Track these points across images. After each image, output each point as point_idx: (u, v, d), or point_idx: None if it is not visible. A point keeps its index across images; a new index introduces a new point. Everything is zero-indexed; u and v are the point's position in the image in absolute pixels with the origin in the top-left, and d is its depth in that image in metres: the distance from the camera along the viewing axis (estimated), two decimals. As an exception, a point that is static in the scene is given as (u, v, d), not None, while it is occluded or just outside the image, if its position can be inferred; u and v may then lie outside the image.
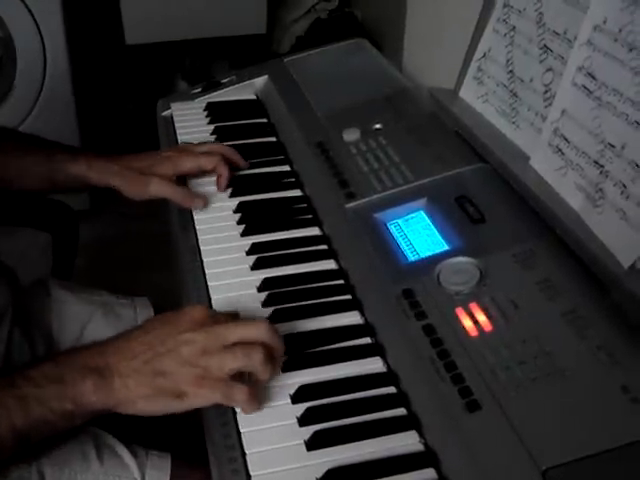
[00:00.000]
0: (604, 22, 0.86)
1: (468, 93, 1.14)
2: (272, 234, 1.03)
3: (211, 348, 0.77)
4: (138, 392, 0.76)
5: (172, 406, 0.77)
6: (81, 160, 1.12)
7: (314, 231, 1.04)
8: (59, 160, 1.12)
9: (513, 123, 1.04)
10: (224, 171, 1.12)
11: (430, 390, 0.76)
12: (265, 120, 1.32)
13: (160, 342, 0.78)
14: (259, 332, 0.79)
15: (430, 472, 0.71)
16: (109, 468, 0.97)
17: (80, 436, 0.99)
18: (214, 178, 1.13)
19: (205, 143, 1.19)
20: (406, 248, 0.92)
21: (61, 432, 0.79)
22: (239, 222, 1.06)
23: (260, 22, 2.25)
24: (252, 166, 1.16)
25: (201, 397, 0.77)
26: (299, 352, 0.84)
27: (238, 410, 0.78)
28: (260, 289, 0.94)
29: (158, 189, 1.09)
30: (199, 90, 1.41)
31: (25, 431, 0.75)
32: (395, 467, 0.72)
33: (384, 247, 0.93)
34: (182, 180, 1.14)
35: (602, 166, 0.85)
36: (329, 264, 0.98)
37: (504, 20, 1.07)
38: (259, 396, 0.78)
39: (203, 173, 1.14)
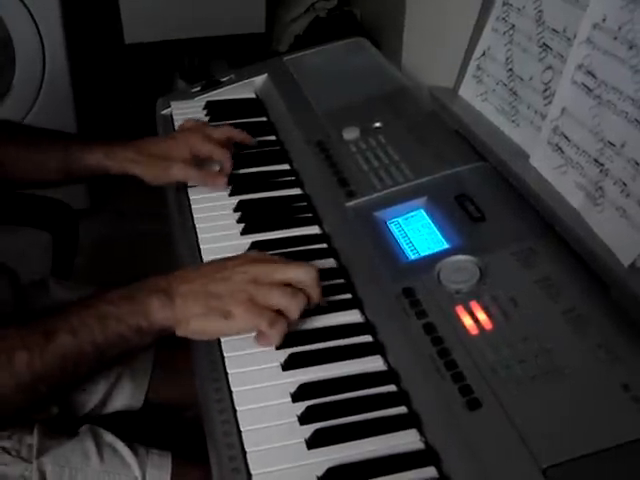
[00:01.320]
0: (603, 20, 0.86)
1: (468, 91, 1.14)
2: (272, 233, 1.03)
3: (262, 280, 0.84)
4: (193, 311, 0.83)
5: (220, 326, 0.83)
6: (97, 149, 1.12)
7: (314, 230, 1.04)
8: (74, 150, 1.12)
9: (513, 121, 1.04)
10: (229, 167, 1.14)
11: (431, 388, 0.76)
12: (265, 119, 1.32)
13: (217, 271, 0.86)
14: (307, 276, 0.86)
15: (431, 470, 0.71)
16: (110, 466, 0.97)
17: (81, 435, 1.00)
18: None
19: (217, 127, 1.20)
20: (406, 247, 0.92)
21: (134, 351, 0.85)
22: (239, 221, 1.06)
23: (259, 21, 2.25)
24: (252, 165, 1.16)
25: (246, 320, 0.83)
26: (300, 350, 0.84)
27: (239, 409, 0.78)
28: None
29: (179, 173, 1.11)
30: (198, 89, 1.41)
31: (104, 346, 0.81)
32: (396, 465, 0.72)
33: (384, 246, 0.93)
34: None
35: (602, 164, 0.85)
36: (329, 263, 0.98)
37: (503, 18, 1.07)
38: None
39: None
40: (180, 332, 0.84)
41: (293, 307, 0.84)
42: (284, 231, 1.03)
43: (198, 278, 0.85)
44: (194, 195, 1.12)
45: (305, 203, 1.10)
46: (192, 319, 0.83)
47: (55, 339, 0.79)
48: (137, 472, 0.98)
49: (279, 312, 0.83)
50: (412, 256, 0.91)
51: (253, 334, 0.85)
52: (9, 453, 0.94)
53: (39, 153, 1.13)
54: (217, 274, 0.85)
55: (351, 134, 1.13)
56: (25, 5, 2.08)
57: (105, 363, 0.85)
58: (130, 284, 0.86)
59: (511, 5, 1.05)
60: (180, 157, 1.12)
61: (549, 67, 0.97)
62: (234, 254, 0.98)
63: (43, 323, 0.81)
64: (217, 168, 1.15)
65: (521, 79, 1.03)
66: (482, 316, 0.80)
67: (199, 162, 1.14)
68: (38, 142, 1.14)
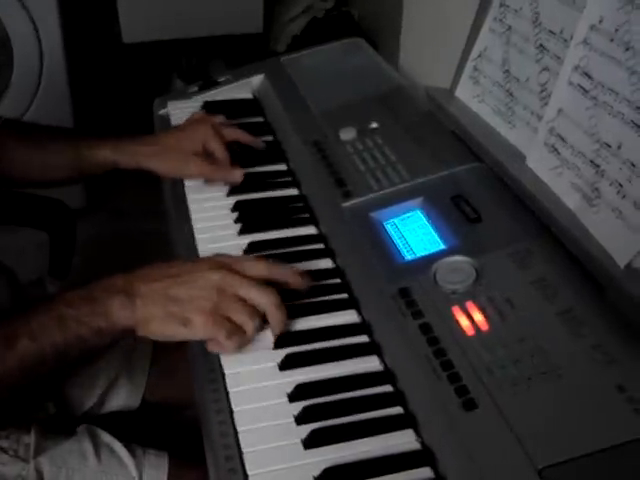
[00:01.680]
0: (600, 22, 0.86)
1: (464, 92, 1.14)
2: (269, 233, 1.03)
3: (225, 290, 0.82)
4: (153, 313, 0.82)
5: (178, 331, 0.82)
6: (107, 144, 1.12)
7: (310, 230, 1.04)
8: (83, 147, 1.12)
9: (509, 122, 1.04)
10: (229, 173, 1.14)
11: (427, 389, 0.76)
12: (261, 119, 1.32)
13: (180, 274, 0.84)
14: (267, 301, 0.84)
15: (426, 471, 0.71)
16: (107, 467, 0.97)
17: (78, 434, 1.00)
18: None
19: (228, 126, 1.20)
20: (402, 247, 0.93)
21: (95, 351, 0.85)
22: (236, 221, 1.06)
23: (257, 21, 2.25)
24: (249, 165, 1.16)
25: (204, 329, 0.82)
26: (296, 351, 0.85)
27: (235, 409, 0.78)
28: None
29: (196, 170, 1.12)
30: (196, 89, 1.41)
31: (63, 347, 0.81)
32: (392, 466, 0.72)
33: (381, 246, 0.93)
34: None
35: (598, 165, 0.85)
36: (326, 263, 0.98)
37: (500, 20, 1.07)
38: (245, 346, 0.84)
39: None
40: (140, 333, 0.83)
41: (250, 327, 0.83)
42: (281, 231, 1.04)
43: (160, 279, 0.84)
44: (191, 195, 1.12)
45: (302, 203, 1.10)
46: (151, 321, 0.82)
47: (15, 344, 0.79)
48: (134, 472, 0.98)
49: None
50: (408, 256, 0.91)
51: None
52: (6, 453, 0.95)
53: (49, 152, 1.13)
54: (180, 277, 0.84)
55: (348, 134, 1.13)
56: (23, 4, 2.08)
57: (66, 364, 0.85)
58: (88, 284, 0.85)
59: (508, 6, 1.05)
60: (193, 151, 1.12)
61: (545, 68, 0.97)
62: (231, 254, 0.99)
63: (3, 327, 0.80)
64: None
65: (517, 80, 1.03)
66: (478, 317, 0.80)
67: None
68: (48, 140, 1.14)
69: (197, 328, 0.82)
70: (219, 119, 1.20)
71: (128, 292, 0.82)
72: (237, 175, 1.12)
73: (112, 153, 1.11)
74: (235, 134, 1.19)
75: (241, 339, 0.83)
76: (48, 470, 0.95)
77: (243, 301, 0.83)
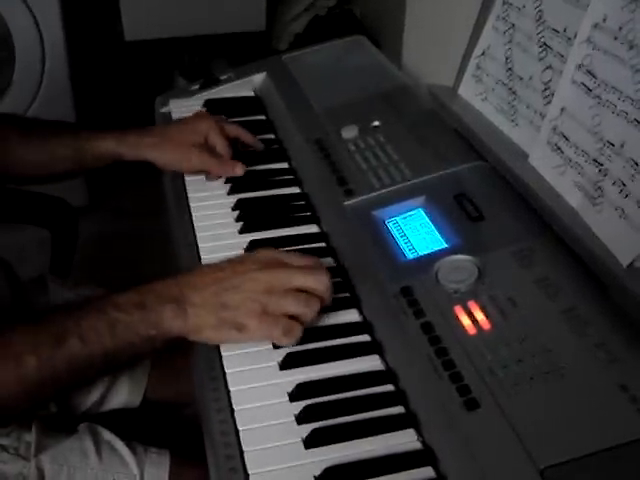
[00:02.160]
0: (604, 20, 0.86)
1: (467, 91, 1.14)
2: (270, 231, 1.03)
3: (274, 288, 0.83)
4: (206, 321, 0.82)
5: (234, 337, 0.83)
6: (109, 136, 1.12)
7: (312, 228, 1.04)
8: (85, 138, 1.12)
9: (512, 121, 1.04)
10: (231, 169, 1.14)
11: (428, 388, 0.76)
12: (263, 117, 1.32)
13: (228, 278, 0.84)
14: (318, 284, 0.84)
15: (428, 470, 0.71)
16: (108, 465, 0.97)
17: (79, 433, 1.00)
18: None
19: (230, 123, 1.20)
20: (404, 246, 0.92)
21: (143, 355, 0.87)
22: (237, 219, 1.06)
23: (259, 19, 2.25)
24: (250, 163, 1.16)
25: (260, 331, 0.83)
26: (297, 350, 0.84)
27: (237, 408, 0.78)
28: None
29: (198, 162, 1.12)
30: (197, 87, 1.41)
31: (113, 352, 0.80)
32: (393, 465, 0.72)
33: (382, 245, 0.93)
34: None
35: (601, 164, 0.85)
36: (327, 262, 0.97)
37: (503, 18, 1.07)
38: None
39: None
40: (193, 339, 0.84)
41: (308, 314, 0.83)
42: (282, 230, 1.03)
43: (209, 285, 0.83)
44: (193, 193, 1.12)
45: (303, 202, 1.10)
46: (204, 329, 0.83)
47: (65, 344, 0.78)
48: (135, 470, 0.98)
49: (292, 316, 0.83)
50: (410, 255, 0.91)
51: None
52: (7, 451, 0.94)
53: (51, 144, 1.12)
54: (228, 282, 0.83)
55: (350, 133, 1.13)
56: (24, 1, 2.08)
57: (114, 367, 0.85)
58: (140, 287, 0.84)
59: (511, 4, 1.05)
60: (195, 143, 1.12)
61: (549, 67, 0.97)
62: (232, 253, 0.99)
63: (52, 325, 0.79)
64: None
65: (521, 78, 1.02)
66: (480, 316, 0.79)
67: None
68: (49, 134, 1.13)
69: (252, 332, 0.82)
70: (234, 130, 1.20)
71: (179, 300, 0.82)
72: (238, 169, 1.12)
73: (115, 145, 1.11)
74: (237, 131, 1.19)
75: (298, 332, 0.83)
76: (49, 468, 0.95)
77: (295, 291, 0.83)
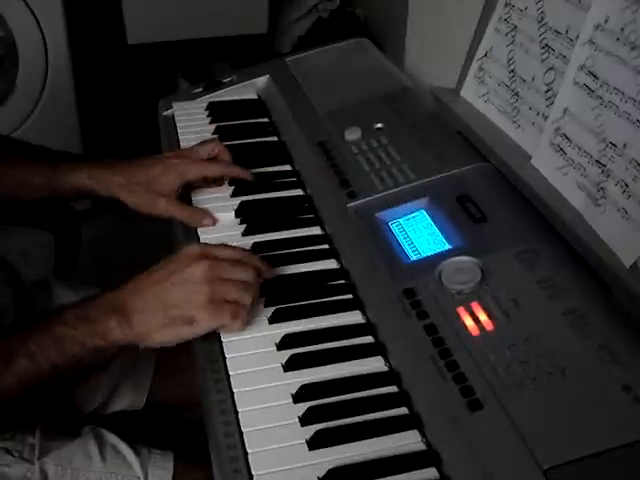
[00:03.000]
0: (606, 21, 0.86)
1: (469, 92, 1.14)
2: (273, 234, 1.03)
3: (213, 277, 0.85)
4: (152, 324, 0.84)
5: (186, 332, 0.85)
6: (83, 171, 1.10)
7: (315, 231, 1.04)
8: (61, 172, 1.11)
9: (514, 122, 1.04)
10: (236, 170, 1.12)
11: (432, 389, 0.76)
12: (266, 120, 1.32)
13: (166, 277, 0.85)
14: (250, 271, 0.88)
15: (432, 471, 0.71)
16: (112, 467, 0.97)
17: (83, 435, 1.00)
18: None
19: (205, 143, 1.15)
20: (408, 247, 0.92)
21: (95, 368, 0.88)
22: (240, 222, 1.06)
23: (261, 22, 2.25)
24: (253, 166, 1.16)
25: (210, 320, 0.84)
26: (301, 352, 0.85)
27: (240, 410, 0.78)
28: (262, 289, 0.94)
29: (165, 209, 1.08)
30: (200, 90, 1.41)
31: (62, 367, 0.82)
32: (397, 466, 0.72)
33: (386, 246, 0.93)
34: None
35: (604, 165, 0.85)
36: (330, 264, 0.98)
37: (505, 19, 1.07)
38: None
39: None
40: (143, 345, 0.85)
41: (247, 298, 0.86)
42: (285, 232, 1.03)
43: (149, 288, 0.85)
44: (196, 196, 1.12)
45: (306, 204, 1.10)
46: (153, 332, 0.84)
47: (13, 363, 0.80)
48: (139, 472, 0.98)
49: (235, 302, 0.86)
50: (413, 257, 0.91)
51: (255, 334, 0.86)
52: (11, 454, 0.94)
53: (25, 172, 1.12)
54: (167, 280, 0.85)
55: (353, 135, 1.13)
56: (28, 5, 2.08)
57: (65, 380, 0.87)
58: (87, 300, 0.86)
59: (513, 6, 1.05)
60: (167, 189, 1.08)
61: (551, 68, 0.97)
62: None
63: (1, 346, 0.81)
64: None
65: (523, 80, 1.02)
66: (483, 317, 0.79)
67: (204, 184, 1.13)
68: (24, 159, 1.14)
69: (203, 322, 0.84)
70: (209, 148, 1.14)
71: (123, 310, 0.83)
72: (207, 220, 1.07)
73: (88, 181, 1.10)
74: (220, 170, 1.13)
75: (244, 314, 0.86)
76: (53, 471, 0.95)
77: (230, 281, 0.85)
